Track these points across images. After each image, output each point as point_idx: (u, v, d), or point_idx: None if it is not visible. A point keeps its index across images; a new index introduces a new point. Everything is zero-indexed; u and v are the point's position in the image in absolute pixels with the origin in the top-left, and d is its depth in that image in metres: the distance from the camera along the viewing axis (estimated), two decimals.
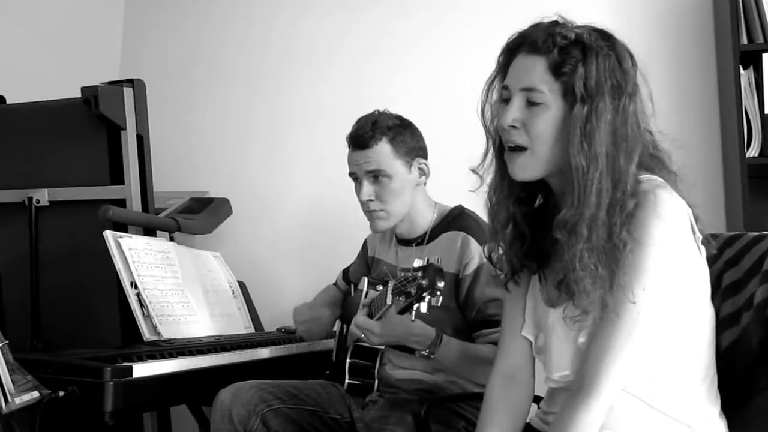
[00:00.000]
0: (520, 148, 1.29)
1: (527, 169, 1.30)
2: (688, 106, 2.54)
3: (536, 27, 1.29)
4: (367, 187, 1.93)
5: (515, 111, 1.28)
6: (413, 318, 1.48)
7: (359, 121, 1.96)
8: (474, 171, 1.39)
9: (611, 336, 1.21)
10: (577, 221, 1.21)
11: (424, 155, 1.98)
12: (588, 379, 1.22)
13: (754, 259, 1.43)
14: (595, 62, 1.23)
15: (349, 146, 1.97)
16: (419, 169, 1.96)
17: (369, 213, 1.96)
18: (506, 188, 1.37)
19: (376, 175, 1.91)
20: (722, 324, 1.41)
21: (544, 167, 1.29)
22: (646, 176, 1.27)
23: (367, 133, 1.91)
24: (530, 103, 1.27)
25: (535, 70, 1.26)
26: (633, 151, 1.24)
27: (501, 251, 1.42)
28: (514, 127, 1.28)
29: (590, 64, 1.23)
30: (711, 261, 1.44)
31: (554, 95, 1.25)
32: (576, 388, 1.24)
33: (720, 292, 1.45)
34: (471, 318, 1.84)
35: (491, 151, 1.37)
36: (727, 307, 1.43)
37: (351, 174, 1.98)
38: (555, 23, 1.29)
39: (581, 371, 1.24)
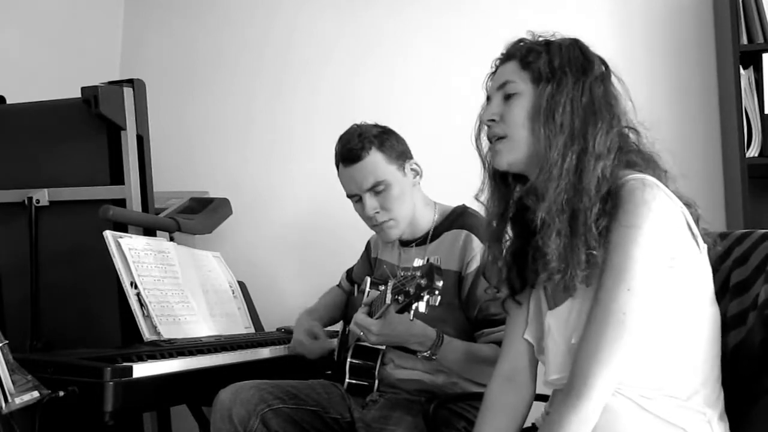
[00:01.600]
0: (499, 138, 1.35)
1: (507, 153, 1.35)
2: (688, 106, 2.54)
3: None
4: (371, 201, 1.91)
5: (494, 107, 1.37)
6: (411, 317, 1.48)
7: (343, 138, 1.96)
8: (476, 199, 1.45)
9: (599, 338, 1.20)
10: (542, 185, 1.27)
11: (411, 156, 1.98)
12: (577, 381, 1.21)
13: (760, 258, 1.39)
14: (559, 50, 1.33)
15: (341, 164, 1.95)
16: (412, 170, 1.96)
17: (378, 226, 1.95)
18: (500, 209, 1.42)
19: (376, 188, 1.91)
20: (729, 324, 1.38)
21: (523, 152, 1.34)
22: (634, 175, 1.27)
23: (356, 145, 1.90)
24: (507, 97, 1.36)
25: (508, 70, 1.37)
26: (601, 124, 1.28)
27: (501, 271, 1.45)
28: (493, 120, 1.36)
29: (554, 50, 1.34)
30: (720, 259, 1.44)
31: (525, 83, 1.33)
32: (566, 390, 1.24)
33: (728, 291, 1.42)
34: (473, 317, 1.84)
35: (487, 176, 1.43)
36: (734, 306, 1.40)
37: (350, 195, 1.96)
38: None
39: (571, 373, 1.24)
